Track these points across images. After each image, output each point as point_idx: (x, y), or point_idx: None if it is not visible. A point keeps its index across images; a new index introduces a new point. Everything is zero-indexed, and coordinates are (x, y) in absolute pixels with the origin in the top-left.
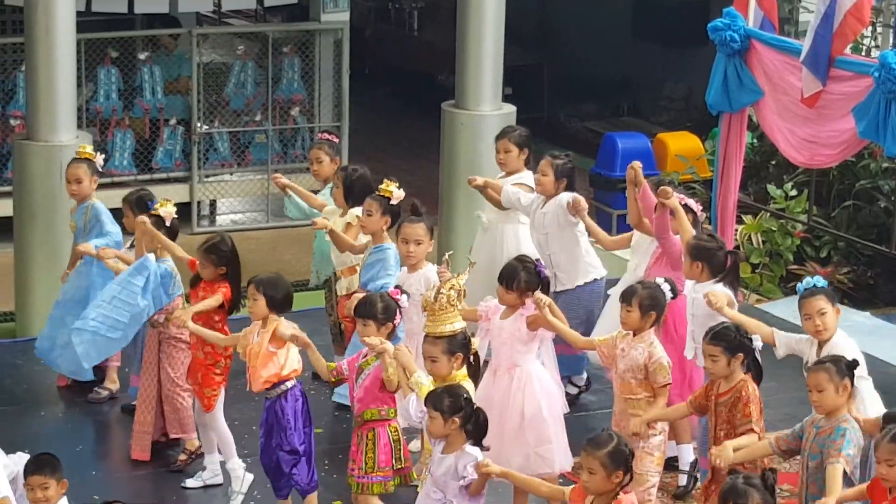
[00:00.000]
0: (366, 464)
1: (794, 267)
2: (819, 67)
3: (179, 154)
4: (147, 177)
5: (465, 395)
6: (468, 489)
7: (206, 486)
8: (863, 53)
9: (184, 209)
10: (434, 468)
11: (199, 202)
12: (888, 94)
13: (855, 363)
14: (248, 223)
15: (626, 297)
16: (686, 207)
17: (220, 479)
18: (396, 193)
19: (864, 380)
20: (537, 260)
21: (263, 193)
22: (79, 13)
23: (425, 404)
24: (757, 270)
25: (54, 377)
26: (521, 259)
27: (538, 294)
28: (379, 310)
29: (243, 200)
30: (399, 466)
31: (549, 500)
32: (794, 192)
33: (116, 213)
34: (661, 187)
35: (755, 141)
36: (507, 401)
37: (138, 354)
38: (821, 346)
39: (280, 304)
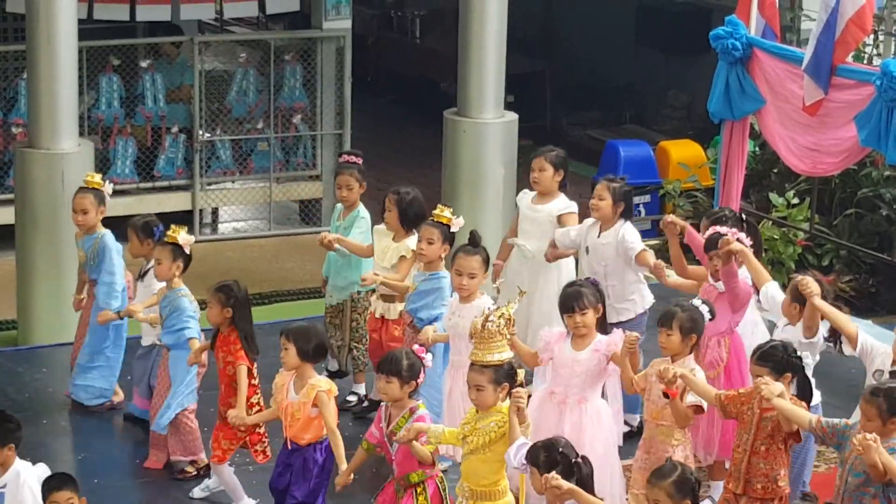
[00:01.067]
0: None
1: (795, 274)
2: (821, 75)
3: (181, 162)
4: (149, 185)
5: (560, 449)
6: None
7: (211, 494)
8: (864, 62)
9: (186, 217)
10: None
11: (200, 210)
12: (890, 103)
13: None
14: (251, 231)
15: (666, 320)
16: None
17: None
18: (456, 221)
19: None
20: (591, 279)
21: (266, 201)
22: (81, 21)
23: (525, 459)
24: None
25: (56, 385)
26: (572, 282)
27: (633, 334)
28: (404, 367)
29: (245, 208)
30: None
31: None
32: (795, 201)
33: (119, 222)
34: (722, 238)
35: (757, 149)
36: (580, 436)
37: (146, 376)
38: None
39: (312, 354)
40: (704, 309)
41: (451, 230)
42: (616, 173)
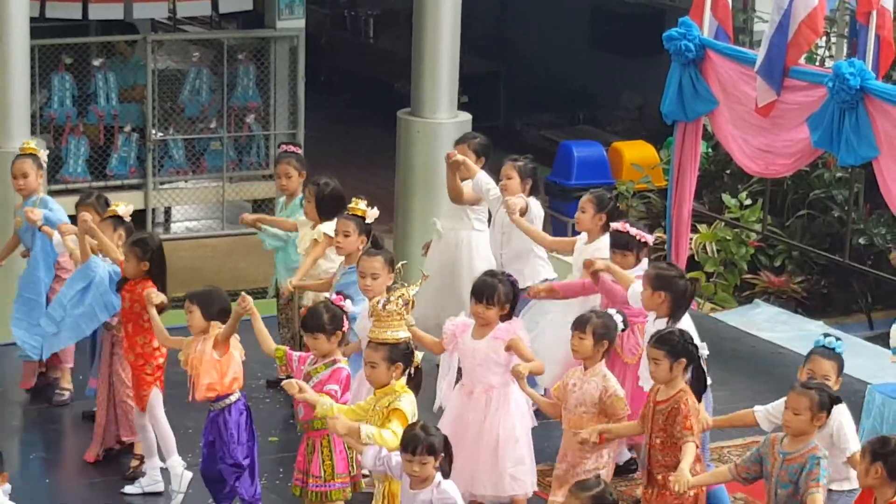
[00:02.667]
0: (324, 472)
1: (749, 276)
2: (773, 77)
3: (134, 161)
4: (101, 184)
5: (440, 436)
6: None
7: (144, 494)
8: (817, 63)
9: (138, 217)
10: None
11: (153, 209)
12: (842, 104)
13: (837, 399)
14: (204, 230)
15: (580, 324)
16: (643, 243)
17: (160, 487)
18: (370, 213)
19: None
20: (508, 275)
21: (219, 201)
22: (33, 19)
23: (406, 449)
24: (711, 279)
25: (6, 385)
26: (493, 273)
27: (519, 369)
28: (326, 321)
29: (198, 208)
30: (353, 474)
31: None
32: (748, 202)
33: (72, 221)
34: (586, 259)
35: (710, 150)
36: (484, 423)
37: (97, 357)
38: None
39: (215, 314)
40: (618, 318)
41: (367, 222)
42: (570, 174)
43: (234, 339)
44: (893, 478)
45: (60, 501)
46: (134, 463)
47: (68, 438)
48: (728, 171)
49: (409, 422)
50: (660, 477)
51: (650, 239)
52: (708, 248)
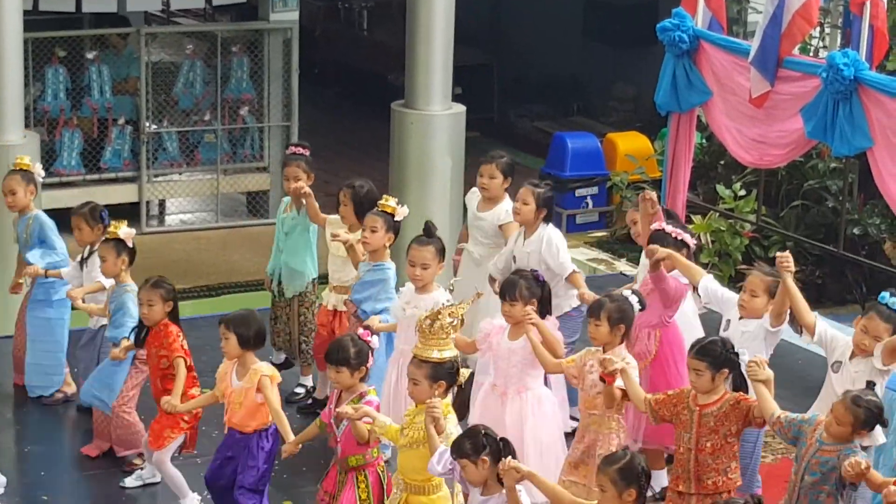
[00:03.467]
0: None
1: (743, 266)
2: (767, 68)
3: (128, 154)
4: (95, 176)
5: (483, 432)
6: None
7: (145, 485)
8: (811, 54)
9: (132, 209)
10: None
11: (147, 202)
12: (836, 95)
13: (884, 421)
14: (198, 223)
15: (594, 310)
16: (681, 242)
17: (159, 478)
18: (400, 210)
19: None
20: (534, 271)
21: (213, 193)
22: (26, 12)
23: (451, 455)
24: (706, 270)
25: (1, 378)
26: (517, 271)
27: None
28: (352, 355)
29: (192, 200)
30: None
31: None
32: (742, 193)
33: (64, 213)
34: (649, 246)
35: (704, 141)
36: (522, 426)
37: (94, 363)
38: (852, 355)
39: (252, 342)
40: (634, 299)
41: (395, 219)
42: (564, 165)
43: (275, 373)
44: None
45: (56, 494)
46: (137, 461)
47: (63, 431)
48: (722, 162)
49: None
50: (710, 483)
51: (691, 240)
52: (702, 239)
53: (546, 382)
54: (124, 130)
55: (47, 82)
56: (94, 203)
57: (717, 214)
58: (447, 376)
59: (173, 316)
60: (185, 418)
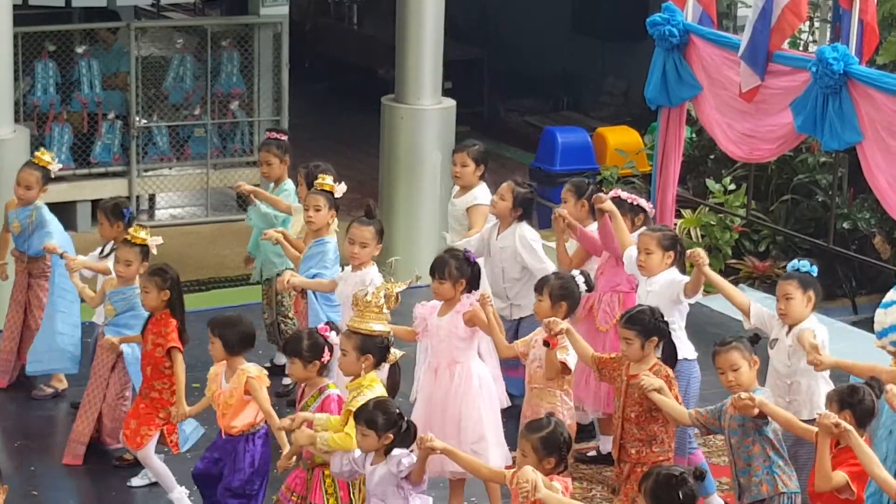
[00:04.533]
0: (327, 501)
1: (733, 261)
2: (757, 62)
3: (118, 148)
4: (85, 171)
5: (397, 411)
6: (409, 480)
7: (151, 485)
8: (800, 48)
9: None
10: (370, 485)
11: (137, 197)
12: (825, 89)
13: (756, 338)
14: (188, 218)
15: (539, 287)
16: (637, 207)
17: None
18: (338, 188)
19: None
20: (465, 250)
21: (203, 188)
22: (15, 6)
23: (355, 419)
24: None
25: None
26: (449, 249)
27: (485, 294)
28: (304, 347)
29: (182, 195)
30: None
31: (490, 482)
32: (732, 187)
33: (53, 208)
34: (596, 194)
35: (694, 135)
36: (448, 399)
37: (89, 361)
38: (790, 329)
39: (237, 345)
40: (580, 279)
41: (335, 196)
42: (553, 160)
43: (263, 374)
44: (861, 425)
45: (45, 489)
46: (128, 455)
47: (54, 426)
48: (712, 157)
49: None
50: (633, 451)
51: (646, 204)
52: (692, 234)
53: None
54: (114, 125)
55: (37, 77)
56: (119, 199)
57: (707, 209)
58: (376, 350)
59: (172, 306)
60: (161, 415)
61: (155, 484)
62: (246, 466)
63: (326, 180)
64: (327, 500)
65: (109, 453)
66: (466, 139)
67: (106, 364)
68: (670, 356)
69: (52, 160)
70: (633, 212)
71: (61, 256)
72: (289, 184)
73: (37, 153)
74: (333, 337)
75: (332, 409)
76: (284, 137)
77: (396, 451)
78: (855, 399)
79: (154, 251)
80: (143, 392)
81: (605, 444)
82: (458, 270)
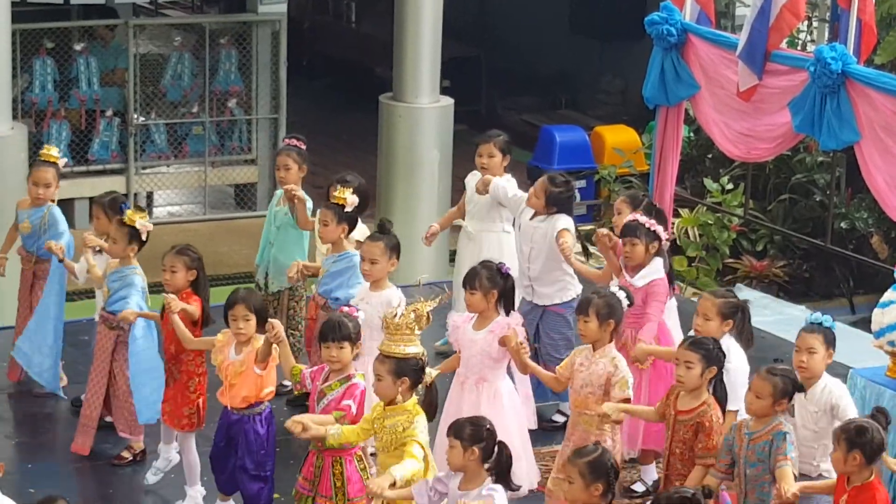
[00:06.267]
0: (336, 495)
1: (731, 260)
2: (755, 61)
3: (116, 146)
4: (83, 168)
5: (488, 427)
6: None
7: (164, 475)
8: (798, 48)
9: None
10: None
11: (135, 194)
12: (823, 89)
13: (800, 387)
14: (185, 215)
15: (583, 307)
16: (654, 233)
17: (176, 458)
18: (350, 199)
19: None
20: (500, 263)
21: (200, 185)
22: (14, 3)
23: (447, 434)
24: (693, 264)
25: None
26: (483, 262)
27: (510, 335)
28: (352, 330)
29: (180, 192)
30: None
31: None
32: (730, 186)
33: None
34: (597, 232)
35: (692, 135)
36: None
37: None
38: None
39: (265, 321)
40: (622, 295)
41: (346, 209)
42: (551, 158)
43: (274, 350)
44: (871, 461)
45: (44, 486)
46: (125, 454)
47: (52, 424)
48: (710, 156)
49: (426, 446)
50: (677, 485)
51: (663, 233)
52: (690, 233)
53: (511, 377)
54: (112, 122)
55: (35, 74)
56: (116, 194)
57: (705, 208)
58: (411, 373)
59: (197, 286)
60: (192, 388)
61: (163, 477)
62: (258, 448)
63: (343, 193)
64: (335, 491)
65: (107, 451)
66: (491, 130)
67: (106, 348)
68: (720, 399)
69: (59, 156)
70: (649, 237)
71: (60, 260)
72: (304, 194)
73: (44, 150)
74: (361, 316)
75: (355, 398)
76: (304, 146)
77: (491, 488)
78: (864, 439)
79: (143, 237)
80: (171, 373)
81: (647, 474)
82: (490, 281)
